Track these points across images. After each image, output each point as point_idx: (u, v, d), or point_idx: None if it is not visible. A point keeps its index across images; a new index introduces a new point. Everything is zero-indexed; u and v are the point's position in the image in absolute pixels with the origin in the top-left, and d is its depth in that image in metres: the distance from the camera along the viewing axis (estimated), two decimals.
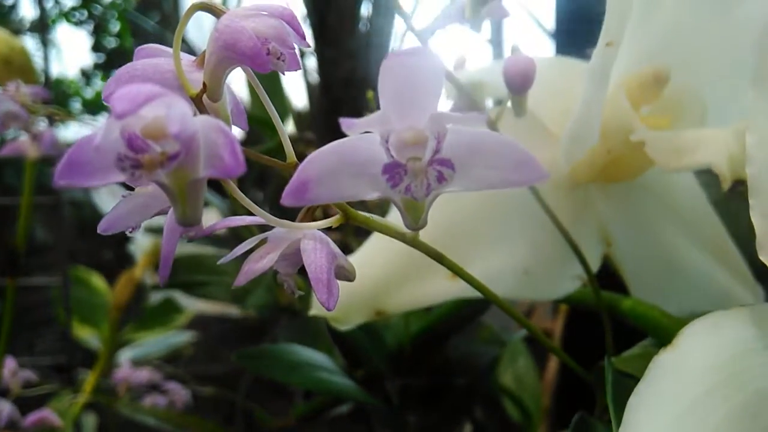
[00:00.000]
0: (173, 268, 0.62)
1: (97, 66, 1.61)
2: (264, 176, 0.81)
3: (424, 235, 0.21)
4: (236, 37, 0.18)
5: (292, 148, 0.21)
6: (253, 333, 0.86)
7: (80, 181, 0.15)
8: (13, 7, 1.42)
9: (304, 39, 0.20)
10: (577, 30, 0.80)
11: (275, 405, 0.73)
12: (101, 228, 0.19)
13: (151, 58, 0.22)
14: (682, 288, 0.35)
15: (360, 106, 1.37)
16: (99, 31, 1.54)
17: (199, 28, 1.79)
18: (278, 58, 0.20)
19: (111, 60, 1.61)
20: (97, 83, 1.58)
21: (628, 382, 0.31)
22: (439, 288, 0.33)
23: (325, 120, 1.27)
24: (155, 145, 0.15)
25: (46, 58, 0.87)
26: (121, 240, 0.85)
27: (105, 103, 0.19)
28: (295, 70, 0.21)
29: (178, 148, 0.14)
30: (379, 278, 0.33)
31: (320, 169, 0.17)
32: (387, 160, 0.17)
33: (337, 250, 0.22)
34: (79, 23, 1.51)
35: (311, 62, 1.38)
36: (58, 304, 0.90)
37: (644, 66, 0.29)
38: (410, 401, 0.46)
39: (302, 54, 1.36)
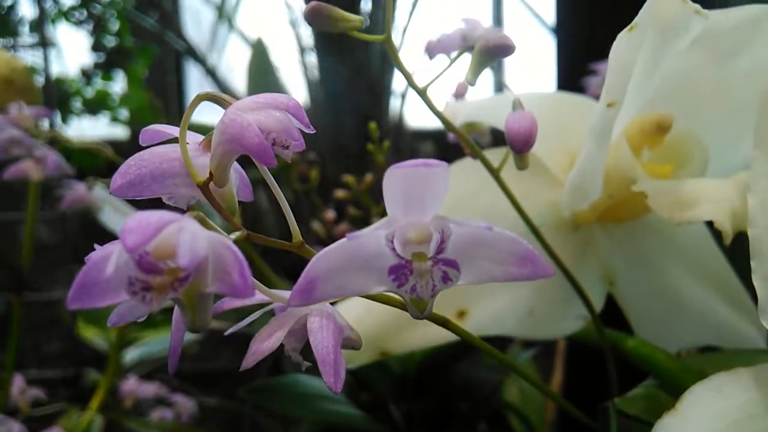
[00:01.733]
0: None
1: (97, 65, 1.61)
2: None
3: None
4: (242, 132, 0.19)
5: (297, 227, 0.22)
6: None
7: (92, 304, 0.15)
8: (12, 8, 1.42)
9: (309, 127, 0.20)
10: (578, 25, 0.80)
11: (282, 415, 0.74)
12: (111, 322, 0.19)
13: (155, 138, 0.22)
14: (685, 323, 0.35)
15: (359, 103, 1.37)
16: (98, 31, 1.53)
17: (198, 27, 1.78)
18: (283, 146, 0.20)
19: (111, 59, 1.60)
20: (98, 82, 1.57)
21: (631, 425, 0.31)
22: (442, 330, 0.34)
23: (324, 116, 1.28)
24: (165, 264, 0.15)
25: (45, 58, 0.86)
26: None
27: (117, 192, 0.19)
28: (300, 151, 0.21)
29: (188, 271, 0.15)
30: (383, 322, 0.33)
31: (327, 267, 0.18)
32: (393, 262, 0.17)
33: (343, 321, 0.22)
34: (78, 23, 1.50)
35: (311, 58, 1.38)
36: (63, 310, 0.91)
37: (646, 113, 0.29)
38: (415, 426, 0.46)
39: (302, 51, 1.36)
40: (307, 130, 0.20)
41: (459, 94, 0.45)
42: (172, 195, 0.21)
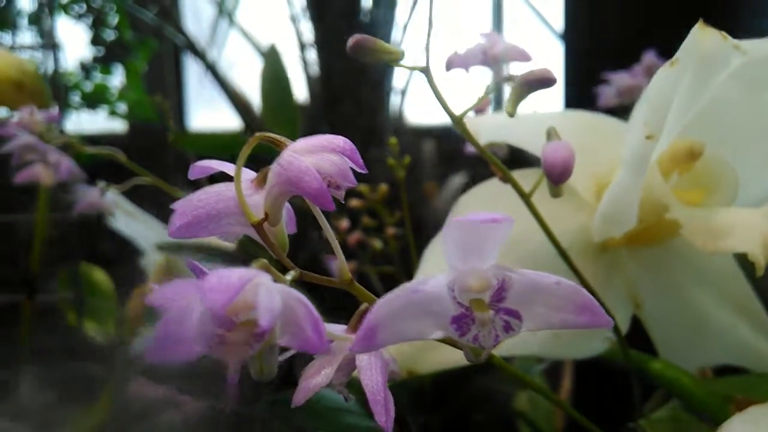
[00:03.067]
0: None
1: (96, 59, 1.60)
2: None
3: None
4: (300, 176, 0.19)
5: (346, 265, 0.22)
6: None
7: (170, 358, 0.15)
8: (11, 1, 1.41)
9: (363, 168, 0.20)
10: (586, 30, 0.80)
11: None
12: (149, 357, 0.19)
13: (204, 173, 0.22)
14: (707, 343, 0.35)
15: (359, 99, 1.37)
16: (98, 24, 1.53)
17: (198, 22, 1.77)
18: (336, 187, 0.20)
19: (110, 53, 1.60)
20: (97, 76, 1.56)
21: None
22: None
23: (325, 112, 1.28)
24: (238, 318, 0.15)
25: (56, 59, 0.86)
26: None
27: (175, 234, 0.20)
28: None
29: (265, 329, 0.15)
30: (413, 344, 0.33)
31: (386, 315, 0.18)
32: (455, 312, 0.17)
33: (387, 355, 0.22)
34: (78, 16, 1.50)
35: (312, 55, 1.38)
36: (67, 309, 0.91)
37: (677, 140, 0.30)
38: None
39: (303, 47, 1.36)
40: (360, 171, 0.20)
41: (480, 110, 0.45)
42: (226, 233, 0.21)
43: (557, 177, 0.26)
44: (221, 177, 0.22)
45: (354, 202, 0.54)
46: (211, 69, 1.52)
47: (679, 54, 0.25)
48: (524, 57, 0.43)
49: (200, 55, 1.53)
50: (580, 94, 0.72)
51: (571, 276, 0.31)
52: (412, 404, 0.46)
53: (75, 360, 0.92)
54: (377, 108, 1.36)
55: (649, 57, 0.58)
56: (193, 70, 1.72)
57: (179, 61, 1.74)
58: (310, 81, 1.28)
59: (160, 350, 0.15)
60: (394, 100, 1.39)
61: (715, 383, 0.33)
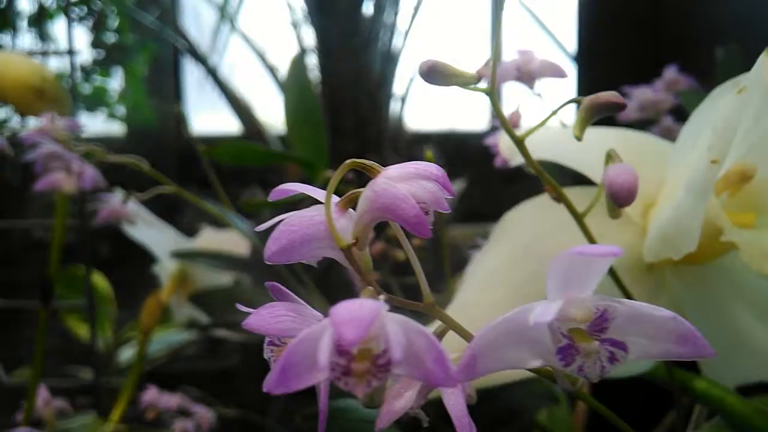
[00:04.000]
0: (210, 305, 0.62)
1: (96, 62, 1.59)
2: None
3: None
4: (397, 203, 0.19)
5: (428, 286, 0.22)
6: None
7: (292, 387, 0.15)
8: (11, 2, 1.40)
9: (453, 194, 0.20)
10: (599, 52, 0.81)
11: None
12: (266, 387, 0.20)
13: (286, 194, 0.22)
14: (748, 361, 0.36)
15: (360, 105, 1.37)
16: (99, 27, 1.52)
17: (199, 27, 1.76)
18: (426, 213, 0.20)
19: (110, 56, 1.59)
20: (96, 79, 1.56)
21: None
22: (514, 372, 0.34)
23: (325, 118, 1.27)
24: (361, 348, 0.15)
25: (72, 66, 0.85)
26: (118, 235, 0.85)
27: (271, 258, 0.20)
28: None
29: (398, 361, 0.15)
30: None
31: (487, 343, 0.18)
32: (559, 343, 0.18)
33: None
34: (78, 19, 1.49)
35: (312, 60, 1.38)
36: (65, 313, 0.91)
37: (729, 163, 0.30)
38: None
39: (304, 52, 1.35)
40: (449, 197, 0.20)
41: (513, 125, 0.46)
42: (314, 257, 0.21)
43: (623, 200, 0.26)
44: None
45: None
46: (212, 73, 1.52)
47: (747, 82, 0.25)
48: (560, 73, 0.43)
49: (201, 59, 1.53)
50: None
51: (619, 295, 0.31)
52: (439, 422, 0.47)
53: (70, 364, 0.92)
54: (377, 113, 1.36)
55: (670, 72, 0.59)
56: (192, 74, 1.71)
57: (179, 64, 1.74)
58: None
59: (282, 381, 0.15)
60: (394, 106, 1.40)
61: (760, 402, 0.33)
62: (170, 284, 0.76)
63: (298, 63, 0.57)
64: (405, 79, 1.36)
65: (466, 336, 0.21)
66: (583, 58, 0.82)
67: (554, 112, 0.28)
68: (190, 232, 0.83)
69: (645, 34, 0.73)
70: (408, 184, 0.19)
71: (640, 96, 0.58)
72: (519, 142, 0.28)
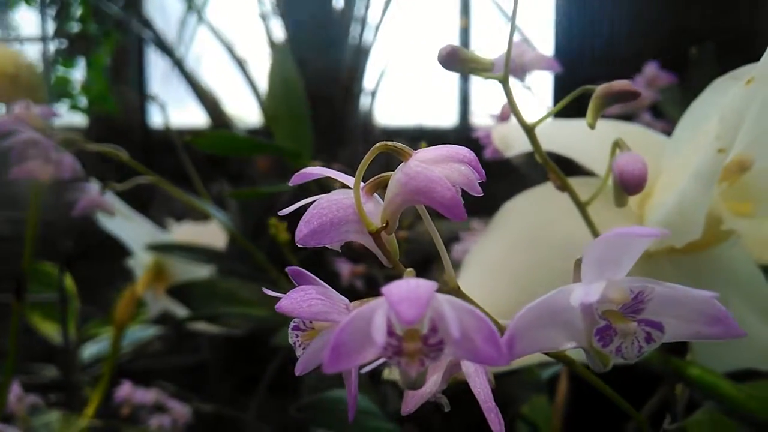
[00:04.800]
0: (189, 298, 0.61)
1: (58, 51, 1.56)
2: None
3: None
4: (431, 186, 0.19)
5: (453, 270, 0.22)
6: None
7: (343, 366, 0.15)
8: None
9: (484, 178, 0.20)
10: (577, 53, 0.82)
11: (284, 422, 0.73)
12: (298, 371, 0.19)
13: (307, 178, 0.22)
14: (738, 347, 0.37)
15: (330, 99, 1.37)
16: (62, 16, 1.48)
17: (165, 18, 1.73)
18: None
19: (73, 46, 1.56)
20: (59, 69, 1.52)
21: None
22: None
23: None
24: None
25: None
26: (82, 230, 0.83)
27: (303, 241, 0.19)
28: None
29: (457, 339, 0.15)
30: None
31: (524, 326, 0.18)
32: (600, 325, 0.18)
33: None
34: (41, 7, 1.45)
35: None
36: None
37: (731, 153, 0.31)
38: None
39: (273, 45, 1.34)
40: (480, 180, 0.20)
41: (504, 118, 0.46)
42: (343, 241, 0.21)
43: (634, 187, 0.27)
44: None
45: None
46: (179, 65, 1.49)
47: (755, 73, 0.26)
48: (552, 66, 0.44)
49: (167, 50, 1.50)
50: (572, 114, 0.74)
51: None
52: (431, 411, 0.47)
53: (32, 361, 0.89)
54: (348, 107, 1.36)
55: (650, 68, 0.60)
56: (157, 65, 1.68)
57: (143, 55, 1.70)
58: None
59: (334, 360, 0.15)
60: (365, 100, 1.39)
61: (755, 387, 0.34)
62: (145, 277, 0.74)
63: (282, 51, 0.56)
64: (375, 73, 1.36)
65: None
66: (559, 59, 0.83)
67: (566, 101, 0.28)
68: (159, 225, 0.82)
69: (622, 35, 0.74)
70: (441, 167, 0.19)
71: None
72: (529, 131, 0.28)
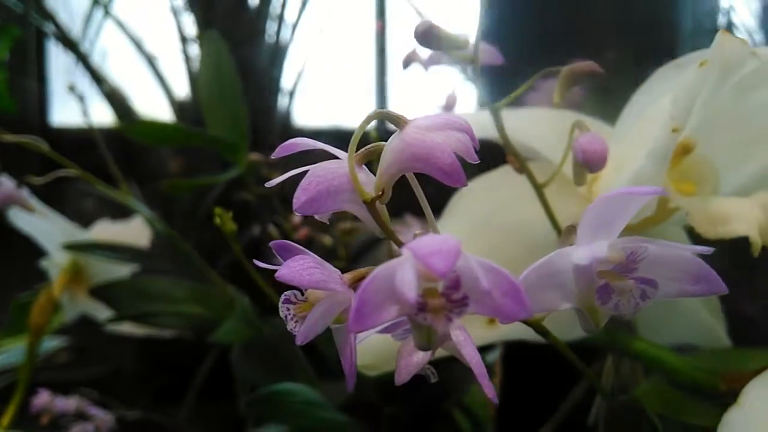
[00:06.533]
0: (115, 298, 0.58)
1: None
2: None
3: None
4: (431, 152, 0.19)
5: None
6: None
7: (367, 325, 0.15)
8: None
9: (477, 147, 0.20)
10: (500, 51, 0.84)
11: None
12: (299, 340, 0.19)
13: (292, 150, 0.22)
14: (677, 324, 0.39)
15: (249, 96, 1.34)
16: None
17: (68, 12, 1.65)
18: None
19: None
20: None
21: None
22: (476, 336, 0.35)
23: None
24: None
25: None
26: None
27: (301, 209, 0.19)
28: None
29: (466, 295, 0.15)
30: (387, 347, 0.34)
31: (527, 286, 0.18)
32: (599, 284, 0.18)
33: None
34: None
35: (194, 50, 1.32)
36: None
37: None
38: (400, 429, 0.47)
39: (185, 41, 1.30)
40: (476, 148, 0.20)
41: (449, 107, 0.47)
42: (335, 210, 0.20)
43: (596, 165, 0.28)
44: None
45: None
46: (83, 60, 1.42)
47: (708, 56, 0.28)
48: (495, 58, 0.45)
49: (71, 45, 1.43)
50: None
51: None
52: (383, 397, 0.47)
53: None
54: (265, 108, 1.34)
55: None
56: (59, 61, 1.59)
57: (43, 50, 1.61)
58: (193, 77, 1.23)
59: (360, 319, 0.15)
60: (282, 100, 1.38)
61: (702, 359, 0.36)
62: (61, 279, 0.70)
63: (214, 39, 0.54)
64: (293, 73, 1.35)
65: None
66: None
67: (527, 85, 0.29)
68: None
69: (546, 31, 0.77)
70: (440, 134, 0.19)
71: (547, 88, 0.62)
72: (495, 111, 0.29)
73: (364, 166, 0.21)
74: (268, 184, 0.21)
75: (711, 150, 0.34)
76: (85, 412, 0.68)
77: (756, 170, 0.35)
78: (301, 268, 0.19)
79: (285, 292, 0.20)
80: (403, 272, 0.15)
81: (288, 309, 0.20)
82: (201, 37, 1.31)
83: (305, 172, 0.20)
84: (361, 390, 0.48)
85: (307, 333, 0.19)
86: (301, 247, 0.21)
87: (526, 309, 0.15)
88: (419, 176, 0.21)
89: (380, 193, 0.20)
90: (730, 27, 0.97)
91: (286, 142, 0.22)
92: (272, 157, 0.22)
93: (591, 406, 0.53)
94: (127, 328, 0.72)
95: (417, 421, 0.48)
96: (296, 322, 0.20)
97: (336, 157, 0.21)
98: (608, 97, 0.59)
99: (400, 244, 0.21)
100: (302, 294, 0.20)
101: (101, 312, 0.71)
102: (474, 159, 0.20)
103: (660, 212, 0.33)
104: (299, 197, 0.19)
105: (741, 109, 0.33)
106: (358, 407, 0.48)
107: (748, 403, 0.26)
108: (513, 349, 0.62)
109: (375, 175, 0.21)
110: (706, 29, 0.97)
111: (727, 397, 0.34)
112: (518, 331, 0.36)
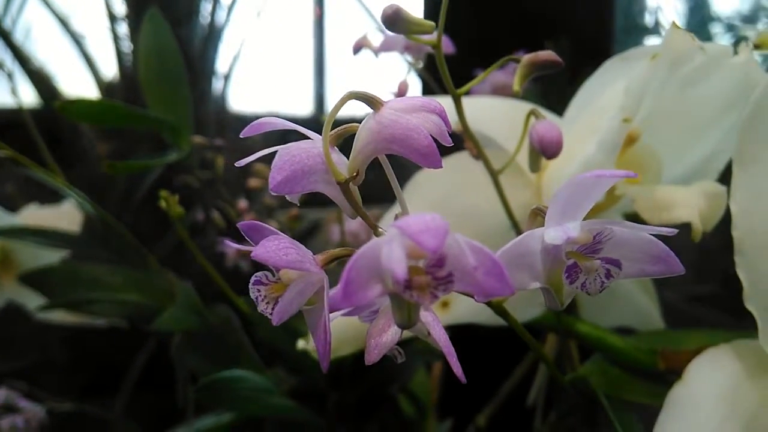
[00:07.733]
0: (47, 285, 0.56)
1: None
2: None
3: None
4: (408, 134, 0.19)
5: None
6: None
7: (355, 302, 0.15)
8: None
9: (450, 130, 0.21)
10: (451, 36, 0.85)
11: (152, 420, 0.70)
12: (276, 320, 0.19)
13: (261, 129, 0.21)
14: (619, 307, 0.41)
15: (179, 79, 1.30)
16: None
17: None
18: None
19: None
20: None
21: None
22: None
23: (138, 93, 1.20)
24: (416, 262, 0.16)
25: None
26: None
27: (277, 189, 0.19)
28: None
29: (450, 272, 0.15)
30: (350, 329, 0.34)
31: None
32: (568, 263, 0.19)
33: None
34: None
35: (123, 29, 1.28)
36: None
37: None
38: (349, 413, 0.48)
39: (113, 19, 1.26)
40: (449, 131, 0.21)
41: (401, 94, 0.47)
42: (313, 190, 0.20)
43: (552, 152, 0.29)
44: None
45: (253, 183, 0.53)
46: (5, 37, 1.35)
47: (659, 50, 0.29)
48: (448, 48, 0.46)
49: None
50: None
51: None
52: (329, 383, 0.47)
53: None
54: (199, 92, 1.31)
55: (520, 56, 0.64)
56: None
57: None
58: (122, 58, 1.18)
59: (347, 296, 0.15)
60: (217, 84, 1.35)
61: (641, 340, 0.38)
62: None
63: (154, 16, 0.53)
64: (228, 57, 1.32)
65: None
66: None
67: (491, 70, 0.30)
68: None
69: (493, 20, 0.78)
70: (416, 116, 0.20)
71: (492, 79, 0.63)
72: (456, 97, 0.29)
73: (336, 147, 0.21)
74: (238, 163, 0.21)
75: (655, 140, 0.35)
76: (14, 405, 0.65)
77: (696, 160, 0.37)
78: (276, 248, 0.18)
79: (256, 273, 0.20)
80: (390, 250, 0.15)
81: (259, 290, 0.20)
82: (130, 16, 1.27)
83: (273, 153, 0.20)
84: (307, 376, 0.48)
85: (283, 313, 0.19)
86: (269, 227, 0.21)
87: (509, 287, 0.16)
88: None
89: (354, 174, 0.20)
90: (656, 26, 1.01)
91: (255, 122, 0.21)
92: (241, 136, 0.22)
93: (530, 388, 0.55)
94: (58, 316, 0.69)
95: (362, 405, 0.49)
96: (267, 303, 0.20)
97: (307, 137, 0.21)
98: (543, 89, 0.60)
99: (373, 226, 0.21)
100: (273, 275, 0.20)
101: (30, 299, 0.68)
102: (448, 142, 0.20)
103: (607, 199, 0.34)
104: (274, 176, 0.19)
105: (684, 102, 0.34)
106: (305, 393, 0.48)
107: (691, 380, 0.28)
108: (454, 333, 0.63)
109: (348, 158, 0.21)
110: (637, 26, 1.01)
111: (666, 376, 0.35)
112: (470, 313, 0.36)
